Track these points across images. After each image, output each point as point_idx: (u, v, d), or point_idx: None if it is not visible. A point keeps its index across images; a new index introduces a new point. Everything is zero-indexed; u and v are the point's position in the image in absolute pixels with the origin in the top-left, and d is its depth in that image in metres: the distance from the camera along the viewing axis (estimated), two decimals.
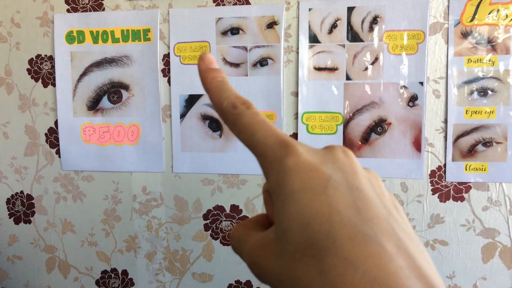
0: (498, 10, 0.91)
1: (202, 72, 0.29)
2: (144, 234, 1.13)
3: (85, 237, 1.16)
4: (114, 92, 1.10)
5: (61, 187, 1.15)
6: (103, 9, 1.08)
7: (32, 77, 1.12)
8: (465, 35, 0.93)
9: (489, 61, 0.92)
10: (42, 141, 1.14)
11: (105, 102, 1.10)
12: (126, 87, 1.09)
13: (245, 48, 1.03)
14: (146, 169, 1.11)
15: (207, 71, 0.29)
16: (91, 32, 1.09)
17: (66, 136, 1.13)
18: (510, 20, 0.91)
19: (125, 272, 1.15)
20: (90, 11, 1.09)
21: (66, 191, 1.15)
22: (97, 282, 1.17)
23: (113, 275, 1.16)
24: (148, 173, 1.11)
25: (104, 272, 1.16)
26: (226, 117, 0.27)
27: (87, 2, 1.09)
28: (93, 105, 1.11)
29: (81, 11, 1.09)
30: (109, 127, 1.11)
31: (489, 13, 0.92)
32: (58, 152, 1.14)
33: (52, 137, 1.14)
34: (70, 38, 1.10)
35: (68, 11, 1.10)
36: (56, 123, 1.13)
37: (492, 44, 0.92)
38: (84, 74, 1.11)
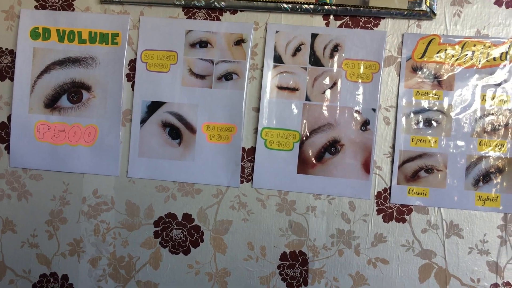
0: (445, 50, 1.01)
1: None
2: (90, 238, 1.10)
3: (26, 238, 1.11)
4: (75, 92, 1.09)
5: (6, 184, 1.11)
6: (73, 10, 1.09)
7: None
8: (415, 69, 1.02)
9: (435, 95, 1.01)
10: None
11: (64, 101, 1.09)
12: (87, 88, 1.09)
13: (211, 62, 1.06)
14: (100, 171, 1.09)
15: None
16: (58, 31, 1.09)
17: (18, 132, 1.10)
18: (456, 60, 1.01)
19: (65, 277, 1.11)
20: (59, 9, 1.09)
21: (11, 189, 1.11)
22: (34, 286, 1.11)
23: (52, 279, 1.11)
24: (101, 176, 1.10)
25: (42, 275, 1.11)
26: None
27: (56, 1, 1.09)
28: (51, 103, 1.09)
29: (50, 9, 1.09)
30: (65, 126, 1.09)
31: (438, 52, 1.01)
32: (7, 148, 1.10)
33: (3, 132, 1.10)
34: (35, 34, 1.09)
35: (36, 7, 1.09)
36: (9, 118, 1.10)
37: (438, 80, 1.02)
38: (45, 71, 1.09)
